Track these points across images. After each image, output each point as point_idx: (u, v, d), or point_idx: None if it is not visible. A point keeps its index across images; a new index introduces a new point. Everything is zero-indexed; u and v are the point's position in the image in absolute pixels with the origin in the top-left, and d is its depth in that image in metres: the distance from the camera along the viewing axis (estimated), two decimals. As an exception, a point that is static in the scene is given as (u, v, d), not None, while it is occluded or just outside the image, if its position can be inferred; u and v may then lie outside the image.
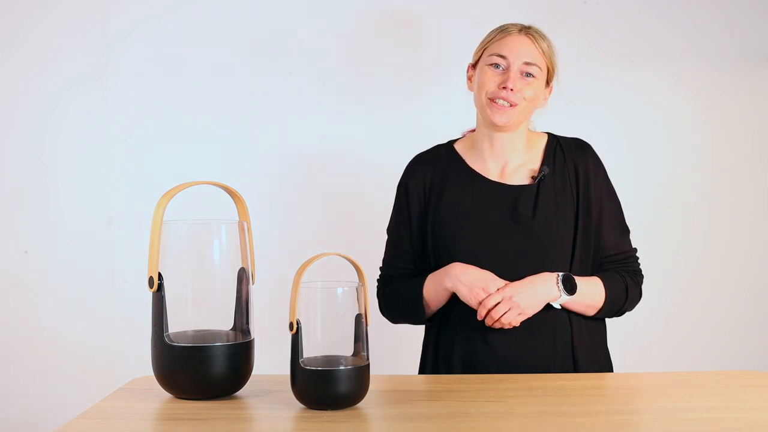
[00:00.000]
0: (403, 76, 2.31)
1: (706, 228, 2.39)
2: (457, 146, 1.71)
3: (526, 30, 1.61)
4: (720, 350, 2.39)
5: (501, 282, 1.52)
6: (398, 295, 1.65)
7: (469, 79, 1.68)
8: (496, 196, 1.61)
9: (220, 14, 2.29)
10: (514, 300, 1.50)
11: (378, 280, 1.73)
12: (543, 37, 1.62)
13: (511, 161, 1.65)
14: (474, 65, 1.67)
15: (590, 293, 1.57)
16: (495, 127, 1.61)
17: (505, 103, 1.57)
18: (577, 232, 1.60)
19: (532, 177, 1.63)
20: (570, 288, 1.54)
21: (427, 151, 1.73)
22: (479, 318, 1.53)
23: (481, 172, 1.65)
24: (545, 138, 1.69)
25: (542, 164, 1.64)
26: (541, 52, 1.60)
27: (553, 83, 1.66)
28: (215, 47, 2.29)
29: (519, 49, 1.59)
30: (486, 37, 1.65)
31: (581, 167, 1.63)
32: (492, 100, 1.58)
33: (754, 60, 2.37)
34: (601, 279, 1.60)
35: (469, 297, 1.53)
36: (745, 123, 2.38)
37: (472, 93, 1.66)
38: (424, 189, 1.66)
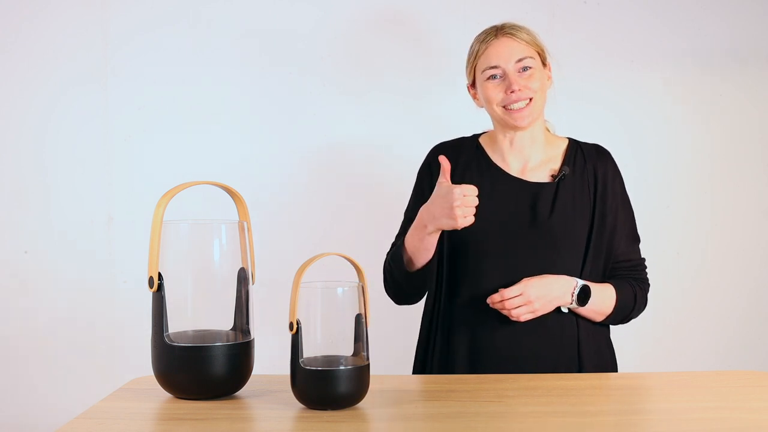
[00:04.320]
0: (404, 77, 2.31)
1: (706, 228, 2.39)
2: (481, 140, 1.73)
3: (501, 32, 1.63)
4: (721, 350, 2.39)
5: (456, 186, 1.48)
6: (389, 258, 1.67)
7: (474, 97, 1.70)
8: (515, 191, 1.63)
9: (220, 14, 2.29)
10: (531, 299, 1.52)
11: (386, 254, 1.72)
12: (519, 28, 1.64)
13: (532, 158, 1.67)
14: (472, 84, 1.69)
15: (600, 302, 1.59)
16: (516, 128, 1.62)
17: (521, 104, 1.59)
18: (591, 235, 1.61)
19: (552, 176, 1.64)
20: (582, 300, 1.56)
21: (451, 140, 1.75)
22: (491, 302, 1.54)
23: (502, 167, 1.66)
24: (566, 141, 1.71)
25: (563, 164, 1.65)
26: (525, 43, 1.62)
27: (549, 61, 1.68)
28: (215, 47, 2.29)
29: (506, 52, 1.61)
30: (470, 55, 1.67)
31: (600, 172, 1.65)
32: (506, 107, 1.60)
33: (754, 60, 2.37)
34: (613, 287, 1.61)
35: (453, 222, 1.48)
36: (746, 123, 2.38)
37: (482, 108, 1.69)
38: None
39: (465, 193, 1.47)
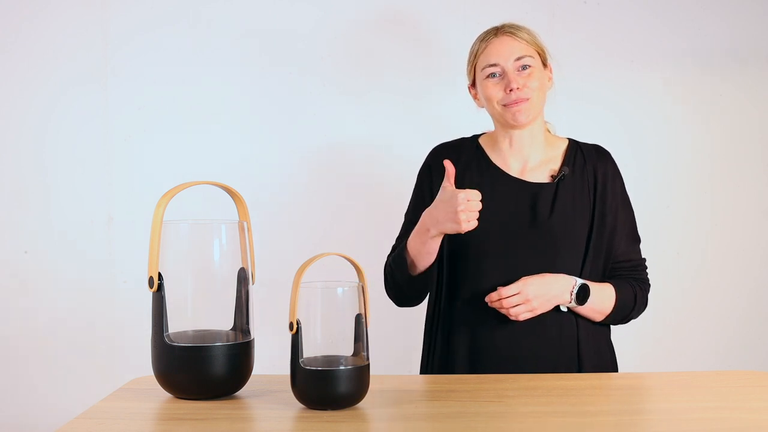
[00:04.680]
0: (404, 77, 2.31)
1: (706, 228, 2.39)
2: (481, 141, 1.73)
3: (502, 31, 1.64)
4: (721, 350, 2.39)
5: (460, 191, 1.48)
6: (390, 261, 1.67)
7: (474, 97, 1.71)
8: (515, 192, 1.63)
9: (220, 14, 2.29)
10: (530, 298, 1.52)
11: (387, 256, 1.72)
12: (519, 28, 1.64)
13: (532, 157, 1.67)
14: (473, 84, 1.69)
15: (600, 301, 1.59)
16: (516, 126, 1.62)
17: (519, 100, 1.59)
18: (591, 235, 1.61)
19: (552, 176, 1.64)
20: (582, 299, 1.56)
21: (451, 141, 1.75)
22: (489, 301, 1.54)
23: (502, 168, 1.66)
24: (566, 142, 1.71)
25: (563, 164, 1.65)
26: (525, 42, 1.62)
27: (550, 62, 1.68)
28: (215, 47, 2.29)
29: (505, 50, 1.61)
30: (470, 54, 1.68)
31: (600, 172, 1.65)
32: (505, 106, 1.60)
33: (753, 60, 2.37)
34: (613, 287, 1.61)
35: (457, 226, 1.49)
36: (745, 123, 2.38)
37: (483, 108, 1.70)
38: None
39: (469, 197, 1.47)
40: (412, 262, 1.60)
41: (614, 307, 1.61)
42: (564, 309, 1.58)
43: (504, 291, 1.52)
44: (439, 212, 1.51)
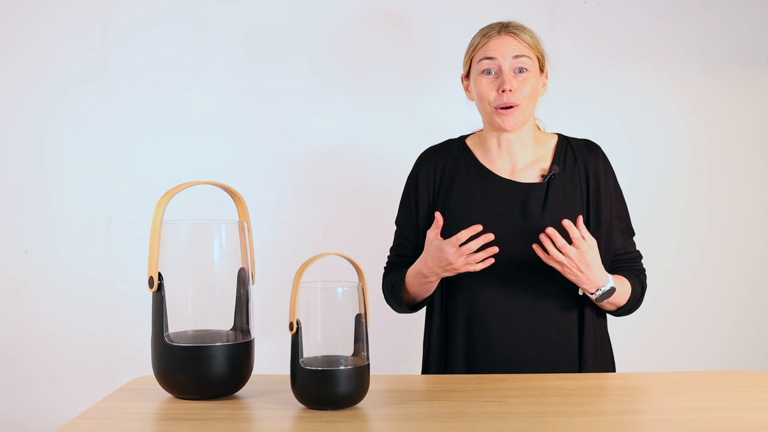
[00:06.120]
0: (402, 76, 2.31)
1: (706, 228, 2.39)
2: (468, 142, 1.72)
3: (505, 28, 1.63)
4: (720, 350, 2.39)
5: (445, 243, 1.51)
6: (389, 285, 1.69)
7: (466, 89, 1.70)
8: (505, 193, 1.62)
9: (220, 14, 2.29)
10: (582, 260, 1.49)
11: (384, 267, 1.75)
12: (523, 29, 1.64)
13: (521, 159, 1.66)
14: (467, 75, 1.68)
15: (619, 295, 1.59)
16: (504, 130, 1.62)
17: (509, 105, 1.59)
18: None
19: (542, 176, 1.63)
20: (602, 298, 1.55)
21: (438, 144, 1.74)
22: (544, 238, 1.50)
23: (491, 169, 1.66)
24: (555, 138, 1.70)
25: (552, 163, 1.65)
26: (526, 44, 1.62)
27: (547, 68, 1.67)
28: (215, 47, 2.29)
29: (504, 48, 1.60)
30: (470, 46, 1.67)
31: (591, 168, 1.64)
32: (496, 108, 1.60)
33: (753, 60, 2.37)
34: (629, 282, 1.62)
35: (455, 271, 1.53)
36: (745, 123, 2.38)
37: (473, 102, 1.69)
38: (434, 181, 1.67)
39: (455, 243, 1.49)
40: (413, 297, 1.63)
41: (627, 301, 1.62)
42: (580, 293, 1.58)
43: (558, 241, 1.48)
44: (434, 265, 1.54)
